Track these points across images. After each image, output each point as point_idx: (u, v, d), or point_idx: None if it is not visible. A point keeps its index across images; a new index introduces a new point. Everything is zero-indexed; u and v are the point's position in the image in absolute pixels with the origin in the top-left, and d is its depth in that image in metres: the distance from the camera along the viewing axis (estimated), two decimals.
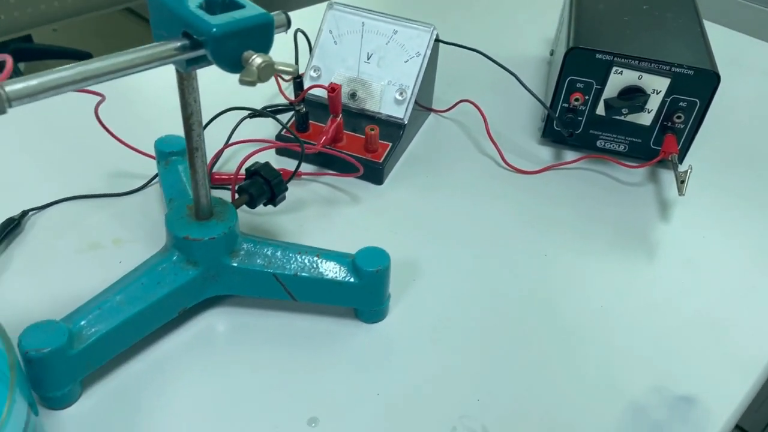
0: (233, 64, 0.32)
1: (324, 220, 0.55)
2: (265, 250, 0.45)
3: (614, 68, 0.60)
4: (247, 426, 0.39)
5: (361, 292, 0.44)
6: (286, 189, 0.48)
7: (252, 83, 0.31)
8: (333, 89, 0.56)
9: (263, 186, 0.47)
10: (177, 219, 0.43)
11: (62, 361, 0.37)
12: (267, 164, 0.47)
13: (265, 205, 0.48)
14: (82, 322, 0.39)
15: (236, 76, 0.32)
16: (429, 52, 0.61)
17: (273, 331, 0.45)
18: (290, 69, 0.32)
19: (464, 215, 0.57)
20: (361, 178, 0.59)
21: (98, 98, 0.51)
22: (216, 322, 0.46)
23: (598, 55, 0.60)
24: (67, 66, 0.29)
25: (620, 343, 0.47)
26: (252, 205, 0.47)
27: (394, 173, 0.61)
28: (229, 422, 0.40)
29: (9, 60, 0.30)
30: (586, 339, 0.47)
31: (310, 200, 0.57)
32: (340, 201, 0.57)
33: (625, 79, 0.60)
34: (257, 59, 0.31)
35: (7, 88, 0.27)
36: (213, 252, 0.43)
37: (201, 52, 0.32)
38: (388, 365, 0.44)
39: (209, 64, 0.33)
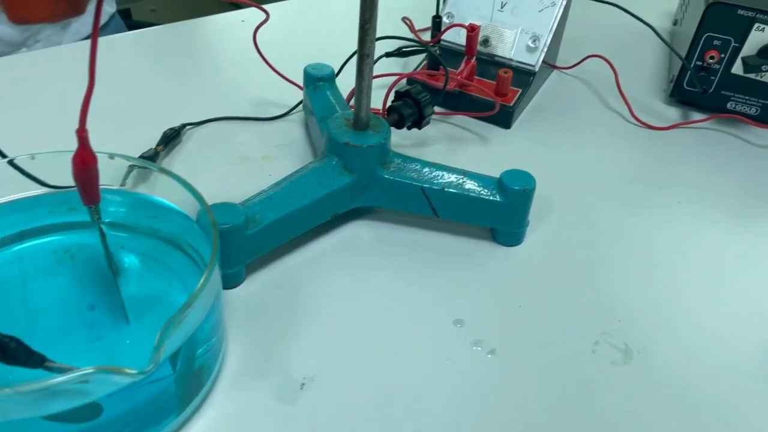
0: None
1: (454, 156, 0.57)
2: (414, 165, 0.47)
3: (756, 24, 0.59)
4: (397, 319, 0.42)
5: (505, 211, 0.46)
6: (432, 112, 0.49)
7: None
8: (473, 29, 0.58)
9: (412, 106, 0.49)
10: (337, 128, 0.46)
11: (239, 240, 0.40)
12: (416, 86, 0.49)
13: (409, 128, 0.50)
14: (255, 209, 0.42)
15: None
16: (564, 2, 0.62)
17: (414, 244, 0.47)
18: None
19: (592, 162, 0.58)
20: (490, 121, 0.60)
21: (262, 17, 0.54)
22: (361, 231, 0.48)
23: (740, 11, 0.59)
24: None
25: (760, 284, 0.46)
26: (400, 125, 0.49)
27: (521, 120, 0.62)
28: (379, 314, 0.42)
29: None
30: (725, 276, 0.47)
31: (439, 138, 0.59)
32: (469, 140, 0.59)
33: (766, 36, 0.59)
34: None
35: None
36: (368, 160, 0.45)
37: None
38: (527, 283, 0.45)
39: None
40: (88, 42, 0.70)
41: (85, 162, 0.31)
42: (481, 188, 0.46)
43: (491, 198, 0.45)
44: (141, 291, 0.38)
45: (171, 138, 0.53)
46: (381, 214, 0.49)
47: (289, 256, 0.45)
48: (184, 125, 0.55)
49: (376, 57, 0.60)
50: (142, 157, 0.50)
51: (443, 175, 0.46)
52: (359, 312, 0.42)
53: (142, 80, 0.63)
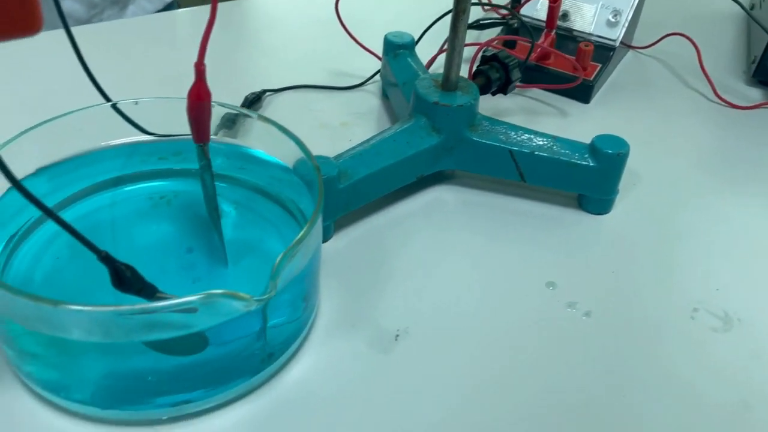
0: None
1: (533, 128, 0.56)
2: (502, 128, 0.46)
3: None
4: (487, 279, 0.41)
5: (596, 176, 0.44)
6: (519, 77, 0.49)
7: None
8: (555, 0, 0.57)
9: (500, 70, 0.48)
10: (425, 88, 0.45)
11: (331, 193, 0.40)
12: (503, 51, 0.48)
13: (494, 93, 0.50)
14: (347, 164, 0.41)
15: None
16: None
17: (498, 209, 0.46)
18: None
19: (675, 138, 0.56)
20: (568, 95, 0.59)
21: None
22: (444, 195, 0.47)
23: None
24: None
25: None
26: (486, 89, 0.48)
27: (599, 97, 0.61)
28: (468, 274, 0.41)
29: None
30: None
31: (516, 111, 0.58)
32: (547, 113, 0.58)
33: None
34: None
35: None
36: (456, 121, 0.45)
37: None
38: (618, 251, 0.44)
39: None
40: (149, 17, 0.72)
41: (200, 97, 0.31)
42: (572, 152, 0.45)
43: (583, 162, 0.44)
44: (237, 238, 0.38)
45: (252, 102, 0.54)
46: (463, 179, 0.49)
47: (374, 216, 0.45)
48: (264, 91, 0.56)
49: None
50: (224, 118, 0.50)
51: (532, 138, 0.45)
52: (448, 271, 0.41)
53: (219, 49, 0.63)
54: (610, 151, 0.43)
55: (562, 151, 0.45)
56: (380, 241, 0.43)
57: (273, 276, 0.28)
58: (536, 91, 0.60)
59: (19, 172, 0.35)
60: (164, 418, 0.31)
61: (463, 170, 0.48)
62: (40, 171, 0.37)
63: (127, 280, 0.29)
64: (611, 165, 0.44)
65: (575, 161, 0.44)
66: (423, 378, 0.35)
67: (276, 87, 0.57)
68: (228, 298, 0.27)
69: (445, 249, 0.43)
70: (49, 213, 0.27)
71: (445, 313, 0.39)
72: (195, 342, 0.31)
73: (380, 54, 0.57)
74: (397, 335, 0.37)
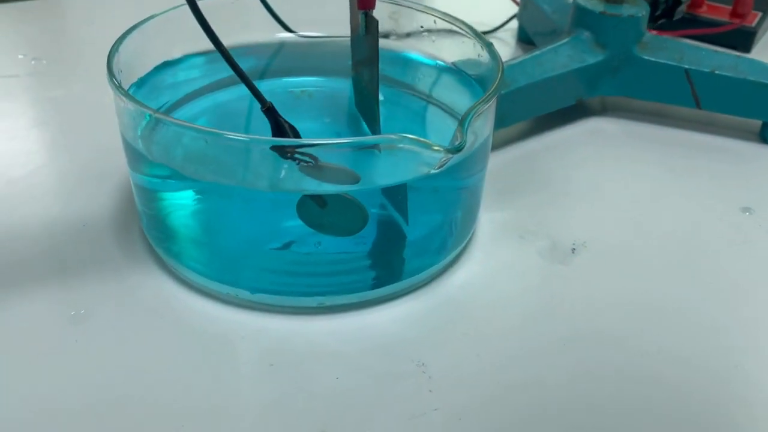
0: None
1: None
2: (674, 45, 0.40)
3: None
4: (668, 203, 0.35)
5: None
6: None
7: None
8: None
9: None
10: (587, 1, 0.41)
11: None
12: None
13: (657, 19, 0.45)
14: (507, 72, 0.37)
15: None
16: None
17: (668, 140, 0.41)
18: None
19: None
20: (726, 44, 0.53)
21: None
22: (604, 126, 0.42)
23: None
24: None
25: None
26: (653, 10, 0.43)
27: (760, 47, 0.54)
28: (644, 197, 0.36)
29: None
30: None
31: None
32: None
33: None
34: None
35: None
36: (623, 34, 0.40)
37: None
38: None
39: None
40: None
41: None
42: (761, 71, 0.39)
43: None
44: (387, 128, 0.34)
45: (386, 35, 0.51)
46: (620, 112, 0.43)
47: (530, 141, 0.40)
48: (387, 35, 0.53)
49: None
50: None
51: (712, 56, 0.40)
52: (622, 193, 0.36)
53: None
54: None
55: (750, 69, 0.39)
56: (539, 164, 0.38)
57: (463, 127, 0.24)
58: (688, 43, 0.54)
59: (163, 54, 0.33)
60: (315, 305, 0.27)
61: (627, 96, 0.42)
62: (185, 58, 0.34)
63: (288, 135, 0.26)
64: None
65: (766, 81, 0.38)
66: (606, 291, 0.30)
67: (400, 32, 0.54)
68: (420, 145, 0.23)
69: (614, 173, 0.38)
70: (230, 60, 0.25)
71: (626, 231, 0.33)
72: (354, 217, 0.26)
73: None
74: (574, 248, 0.31)
